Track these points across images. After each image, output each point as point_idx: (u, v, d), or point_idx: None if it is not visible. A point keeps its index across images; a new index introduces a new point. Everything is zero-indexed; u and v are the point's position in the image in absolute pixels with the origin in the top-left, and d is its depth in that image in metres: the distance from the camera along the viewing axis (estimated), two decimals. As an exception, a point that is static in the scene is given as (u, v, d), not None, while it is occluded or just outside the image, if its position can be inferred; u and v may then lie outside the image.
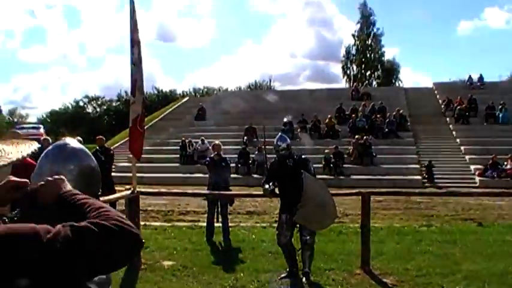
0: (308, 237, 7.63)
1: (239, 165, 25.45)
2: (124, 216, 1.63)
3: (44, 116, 78.03)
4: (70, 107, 78.12)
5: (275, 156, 8.30)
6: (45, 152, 2.18)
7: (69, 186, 1.85)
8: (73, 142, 2.25)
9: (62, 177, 1.88)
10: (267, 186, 8.00)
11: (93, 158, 2.29)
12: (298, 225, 7.69)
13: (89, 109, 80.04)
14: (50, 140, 12.22)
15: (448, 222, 13.27)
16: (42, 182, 1.84)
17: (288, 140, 8.30)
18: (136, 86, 8.33)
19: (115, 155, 15.81)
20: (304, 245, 7.66)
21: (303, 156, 8.27)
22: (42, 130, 31.76)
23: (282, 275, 7.73)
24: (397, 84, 69.65)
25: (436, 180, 23.68)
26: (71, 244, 1.48)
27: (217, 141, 11.61)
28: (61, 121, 73.50)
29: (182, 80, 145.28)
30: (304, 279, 7.52)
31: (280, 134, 8.76)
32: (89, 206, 1.69)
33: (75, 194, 1.78)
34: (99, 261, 1.53)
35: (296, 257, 7.83)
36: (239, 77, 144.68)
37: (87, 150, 2.27)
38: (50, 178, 1.84)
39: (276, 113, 34.15)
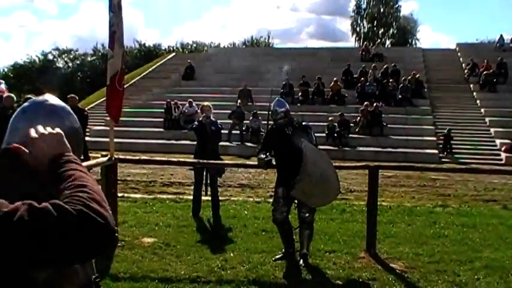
0: (307, 215, 7.68)
1: (232, 131, 25.40)
2: (103, 203, 1.63)
3: (6, 70, 77.15)
4: (37, 60, 77.19)
5: (272, 123, 8.34)
6: (21, 108, 2.14)
7: (67, 146, 1.86)
8: (53, 99, 2.20)
9: (60, 131, 1.87)
10: (262, 155, 8.01)
11: (76, 118, 2.22)
12: (296, 201, 7.74)
13: (60, 63, 79.25)
14: (14, 98, 12.14)
15: (468, 203, 13.28)
16: (36, 136, 1.82)
17: (287, 104, 8.26)
18: (115, 38, 8.24)
19: (90, 117, 15.78)
20: (303, 223, 7.72)
21: (304, 123, 8.19)
22: (3, 86, 31.46)
23: (277, 257, 7.79)
24: (414, 45, 69.30)
25: (455, 155, 23.66)
26: (24, 225, 1.48)
27: (206, 103, 11.49)
28: (26, 76, 72.72)
29: (168, 34, 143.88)
30: (301, 262, 7.57)
31: (277, 98, 8.83)
32: (71, 181, 1.68)
33: (70, 161, 1.78)
34: (55, 250, 1.51)
35: (293, 236, 7.93)
36: (233, 32, 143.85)
37: (69, 108, 2.22)
38: (49, 131, 1.83)
39: (274, 74, 34.01)
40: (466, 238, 9.33)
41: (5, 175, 1.86)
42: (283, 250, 7.91)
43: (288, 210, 7.87)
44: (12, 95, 12.60)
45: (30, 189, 1.78)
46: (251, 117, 26.02)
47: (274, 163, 8.09)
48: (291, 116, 8.14)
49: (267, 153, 8.05)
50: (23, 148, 1.85)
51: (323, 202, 8.07)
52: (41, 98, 2.19)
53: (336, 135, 25.13)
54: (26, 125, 1.97)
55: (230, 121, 25.39)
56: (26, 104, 2.15)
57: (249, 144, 24.71)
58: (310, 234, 7.83)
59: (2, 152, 1.96)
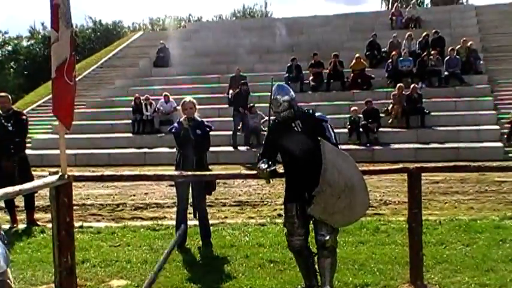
0: (327, 238, 7.38)
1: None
2: None
3: None
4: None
5: (274, 118, 8.04)
6: None
7: None
8: None
9: None
10: (262, 164, 7.75)
11: None
12: (313, 220, 7.51)
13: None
14: None
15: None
16: None
17: (291, 91, 7.83)
18: (59, 14, 8.23)
19: (30, 122, 15.70)
20: (323, 249, 7.44)
21: (316, 114, 7.78)
22: None
23: None
24: (463, 2, 69.20)
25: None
26: None
27: (188, 98, 11.48)
28: None
29: (131, 7, 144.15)
30: None
31: (277, 84, 8.10)
32: None
33: None
34: None
35: (315, 266, 7.70)
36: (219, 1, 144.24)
37: None
38: None
39: (276, 54, 34.03)
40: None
41: None
42: (304, 285, 7.82)
43: (306, 233, 7.61)
44: None
45: None
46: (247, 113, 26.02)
47: (281, 171, 7.85)
48: (298, 106, 7.80)
49: (270, 160, 7.76)
50: None
51: (349, 220, 7.77)
52: None
53: (361, 130, 25.13)
54: None
55: (220, 119, 25.41)
56: None
57: (243, 148, 24.76)
58: (332, 263, 7.52)
59: None
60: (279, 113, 7.60)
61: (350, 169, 7.38)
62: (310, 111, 7.94)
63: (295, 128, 7.49)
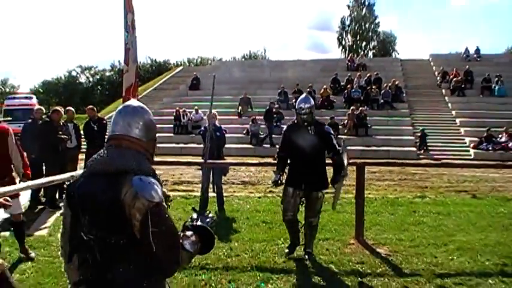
0: (313, 219, 7.24)
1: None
2: None
3: (36, 86, 77.54)
4: (63, 77, 77.54)
5: (291, 122, 7.57)
6: (118, 109, 2.86)
7: None
8: (135, 102, 2.97)
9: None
10: (276, 178, 7.48)
11: (150, 112, 2.92)
12: (304, 206, 7.25)
13: (82, 79, 79.53)
14: (44, 110, 12.17)
15: (442, 194, 13.33)
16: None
17: (312, 101, 7.36)
18: (129, 55, 8.26)
19: (108, 125, 15.72)
20: (310, 227, 7.28)
21: (325, 127, 7.36)
22: (34, 100, 31.58)
23: (286, 251, 7.44)
24: (393, 55, 69.40)
25: (430, 152, 23.77)
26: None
27: (212, 111, 11.51)
28: (54, 91, 73.16)
29: (176, 50, 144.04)
30: (306, 257, 7.22)
31: (304, 94, 7.72)
32: None
33: None
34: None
35: (299, 231, 7.46)
36: (234, 47, 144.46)
37: (145, 107, 2.92)
38: None
39: (270, 83, 34.10)
40: (442, 224, 9.36)
41: (133, 155, 2.66)
42: (290, 242, 7.55)
43: (297, 210, 7.25)
44: (42, 107, 12.62)
45: (148, 168, 2.66)
46: (250, 123, 26.05)
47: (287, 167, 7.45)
48: (314, 115, 7.37)
49: (279, 175, 7.43)
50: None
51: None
52: (128, 102, 2.96)
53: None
54: (121, 120, 2.78)
55: (233, 126, 25.39)
56: (120, 107, 2.88)
57: (249, 146, 24.71)
58: (314, 235, 7.42)
59: (110, 137, 2.80)
60: (301, 115, 7.14)
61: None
62: (323, 122, 7.73)
63: (310, 131, 7.07)
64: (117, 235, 2.53)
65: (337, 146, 7.09)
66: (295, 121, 7.38)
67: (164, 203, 2.59)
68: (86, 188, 2.64)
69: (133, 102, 2.97)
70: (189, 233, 2.78)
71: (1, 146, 6.75)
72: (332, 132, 7.34)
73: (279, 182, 7.42)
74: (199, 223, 2.90)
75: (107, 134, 14.60)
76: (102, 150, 2.75)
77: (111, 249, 2.55)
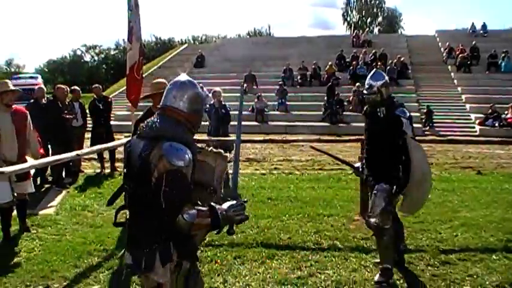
0: (373, 220, 5.69)
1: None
2: None
3: (42, 65, 77.52)
4: (68, 56, 77.43)
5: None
6: (170, 84, 3.25)
7: None
8: (184, 77, 3.30)
9: None
10: (358, 164, 6.55)
11: (198, 87, 3.27)
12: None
13: (87, 58, 79.38)
14: (45, 89, 12.19)
15: (448, 170, 13.31)
16: None
17: (385, 77, 5.99)
18: (133, 33, 8.23)
19: (114, 103, 15.77)
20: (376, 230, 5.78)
21: (397, 111, 5.73)
22: (39, 80, 31.55)
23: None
24: (399, 32, 68.95)
25: (436, 129, 23.68)
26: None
27: (217, 88, 11.53)
28: (59, 70, 73.09)
29: (181, 27, 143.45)
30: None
31: (375, 70, 6.41)
32: None
33: None
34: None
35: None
36: (238, 25, 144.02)
37: (193, 81, 3.28)
38: None
39: (275, 60, 33.95)
40: (446, 201, 9.36)
41: (172, 123, 3.08)
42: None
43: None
44: (43, 87, 12.60)
45: (183, 137, 3.04)
46: (256, 100, 26.01)
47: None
48: (390, 94, 5.98)
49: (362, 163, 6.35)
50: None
51: (407, 209, 5.94)
52: (178, 77, 3.29)
53: (331, 113, 25.16)
54: (169, 93, 3.19)
55: (238, 103, 25.32)
56: (171, 82, 3.28)
57: (255, 123, 24.67)
58: (383, 246, 5.72)
59: (161, 107, 3.19)
60: (368, 95, 5.92)
61: (425, 162, 5.89)
62: (397, 102, 6.04)
63: (379, 113, 5.78)
64: (143, 188, 2.99)
65: (410, 132, 5.65)
66: (367, 103, 6.22)
67: (189, 169, 3.00)
68: (131, 146, 3.18)
69: (182, 77, 3.31)
70: (202, 208, 3.06)
71: (22, 127, 7.01)
72: (406, 115, 5.74)
73: (360, 170, 6.41)
74: (225, 204, 3.15)
75: (112, 114, 14.70)
76: (151, 118, 3.18)
77: (138, 199, 3.07)
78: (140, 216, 3.08)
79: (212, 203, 3.10)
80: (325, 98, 26.17)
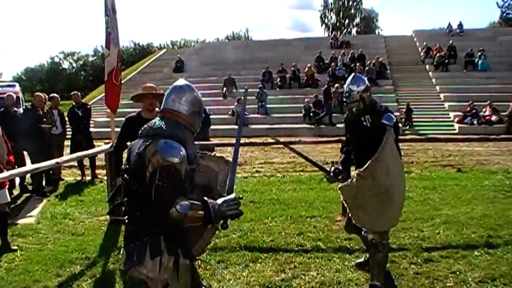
0: (370, 235, 5.32)
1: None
2: None
3: (19, 73, 76.76)
4: (46, 63, 76.79)
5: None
6: (170, 89, 3.50)
7: None
8: (182, 81, 3.56)
9: None
10: (332, 174, 6.04)
11: (195, 90, 3.52)
12: None
13: (65, 65, 78.78)
14: (14, 96, 12.05)
15: (428, 169, 13.41)
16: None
17: (365, 82, 5.56)
18: (110, 39, 8.18)
19: (93, 110, 15.69)
20: (370, 246, 5.39)
21: (383, 120, 5.16)
22: (17, 88, 31.23)
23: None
24: (377, 33, 69.39)
25: (415, 128, 23.86)
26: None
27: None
28: (37, 78, 72.50)
29: (159, 32, 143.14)
30: None
31: (354, 74, 5.76)
32: None
33: None
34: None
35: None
36: (217, 29, 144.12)
37: (191, 85, 3.54)
38: None
39: (254, 64, 33.97)
40: (428, 199, 9.43)
41: (171, 124, 3.29)
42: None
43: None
44: (12, 94, 12.28)
45: (180, 136, 3.24)
46: (235, 103, 25.99)
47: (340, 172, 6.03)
48: (371, 98, 5.55)
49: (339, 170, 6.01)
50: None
51: (370, 225, 5.21)
52: (177, 82, 3.56)
53: (311, 114, 25.21)
54: (168, 96, 3.48)
55: (218, 107, 25.30)
56: (171, 86, 3.51)
57: (235, 126, 24.61)
58: (376, 260, 5.30)
59: (161, 110, 3.45)
60: (347, 104, 5.58)
61: (397, 178, 5.13)
62: (383, 108, 5.45)
63: (364, 123, 5.38)
64: (137, 182, 3.16)
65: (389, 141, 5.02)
66: (348, 112, 5.79)
67: (183, 166, 3.15)
68: (133, 146, 3.36)
69: (180, 81, 3.58)
70: (195, 201, 3.15)
71: None
72: (391, 122, 5.15)
73: (332, 175, 6.05)
74: (219, 199, 3.30)
75: (92, 120, 14.62)
76: (153, 120, 3.40)
77: (133, 194, 3.22)
78: (134, 211, 3.22)
79: (205, 197, 3.20)
80: (322, 101, 25.95)
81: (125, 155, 3.74)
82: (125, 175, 3.32)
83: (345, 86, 5.63)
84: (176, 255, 3.24)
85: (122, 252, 3.36)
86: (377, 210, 4.99)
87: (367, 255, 5.78)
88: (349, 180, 5.02)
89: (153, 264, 3.14)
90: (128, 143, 4.85)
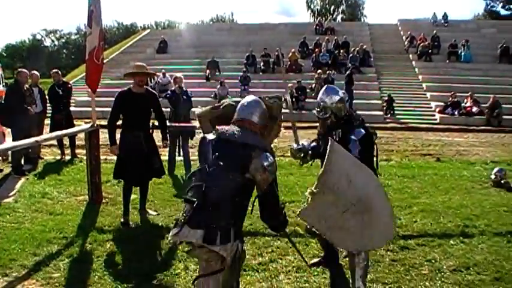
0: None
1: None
2: None
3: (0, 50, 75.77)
4: (27, 40, 75.78)
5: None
6: (242, 102, 4.04)
7: None
8: (252, 97, 4.13)
9: None
10: (295, 145, 5.77)
11: (264, 105, 4.09)
12: None
13: (47, 43, 77.85)
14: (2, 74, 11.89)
15: (408, 157, 13.53)
16: None
17: (339, 94, 5.25)
18: (92, 17, 8.08)
19: (74, 89, 15.53)
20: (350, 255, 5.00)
21: (352, 136, 5.00)
22: (-4, 65, 30.87)
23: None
24: (362, 20, 69.36)
25: (397, 117, 24.00)
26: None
27: (178, 74, 11.44)
28: (18, 55, 71.56)
29: (143, 12, 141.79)
30: None
31: (327, 86, 5.51)
32: None
33: None
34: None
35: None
36: (202, 11, 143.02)
37: (261, 101, 4.10)
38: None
39: (238, 47, 33.82)
40: (406, 187, 9.53)
41: (254, 134, 3.81)
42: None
43: None
44: None
45: (268, 146, 3.92)
46: (218, 86, 25.94)
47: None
48: (347, 110, 5.27)
49: (307, 143, 5.79)
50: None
51: (361, 246, 4.56)
52: (248, 98, 4.09)
53: (294, 99, 25.18)
54: (246, 108, 3.96)
55: (200, 89, 25.21)
56: (244, 101, 4.06)
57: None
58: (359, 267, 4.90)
59: (236, 119, 3.90)
60: (319, 118, 5.39)
61: (368, 186, 4.54)
62: (359, 121, 5.23)
63: (334, 136, 5.05)
64: (235, 180, 3.61)
65: (355, 152, 4.88)
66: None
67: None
68: (220, 145, 3.71)
69: (251, 97, 4.12)
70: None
71: None
72: (357, 136, 5.00)
73: (298, 149, 5.81)
74: None
75: (72, 99, 14.50)
76: (230, 126, 3.83)
77: (225, 186, 3.59)
78: (221, 200, 3.57)
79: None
80: (344, 86, 24.97)
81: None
82: (221, 163, 3.63)
83: (318, 98, 5.33)
84: (241, 242, 3.76)
85: (183, 233, 3.53)
86: (360, 226, 4.34)
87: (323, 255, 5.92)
88: (305, 203, 4.42)
89: (231, 247, 3.57)
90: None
